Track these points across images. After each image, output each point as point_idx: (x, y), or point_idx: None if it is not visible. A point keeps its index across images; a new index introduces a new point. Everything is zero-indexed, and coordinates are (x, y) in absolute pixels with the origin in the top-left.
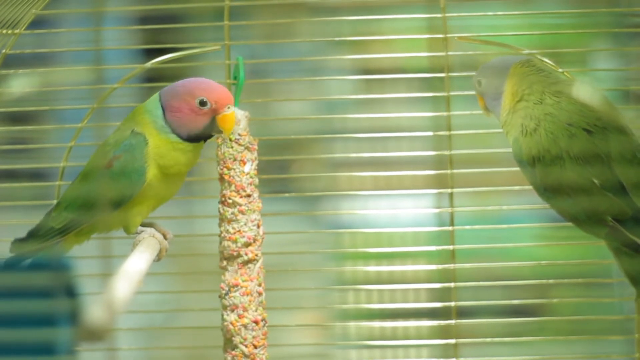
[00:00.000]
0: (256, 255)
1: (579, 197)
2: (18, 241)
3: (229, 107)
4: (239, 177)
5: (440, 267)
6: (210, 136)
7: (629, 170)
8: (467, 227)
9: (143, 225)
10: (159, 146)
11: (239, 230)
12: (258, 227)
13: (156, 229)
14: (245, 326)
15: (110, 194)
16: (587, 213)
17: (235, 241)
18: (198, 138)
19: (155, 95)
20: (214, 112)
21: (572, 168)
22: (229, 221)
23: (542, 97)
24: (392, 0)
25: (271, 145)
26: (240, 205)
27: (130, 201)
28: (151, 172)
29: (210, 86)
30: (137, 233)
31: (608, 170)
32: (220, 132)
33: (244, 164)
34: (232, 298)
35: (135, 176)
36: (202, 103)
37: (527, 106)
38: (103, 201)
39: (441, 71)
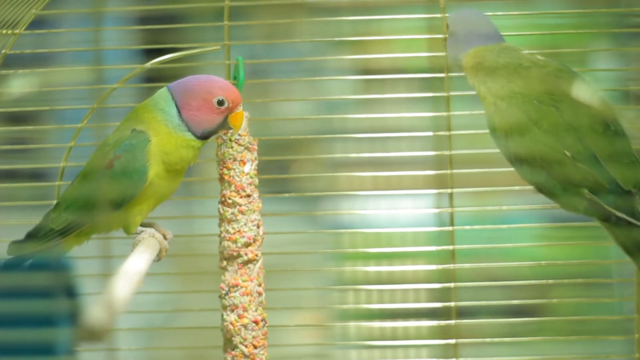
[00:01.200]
0: (256, 255)
1: (552, 169)
2: (16, 243)
3: (240, 106)
4: (238, 177)
5: (440, 267)
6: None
7: (601, 143)
8: (467, 227)
9: (143, 225)
10: (166, 144)
11: (239, 231)
12: (258, 227)
13: (156, 229)
14: (245, 326)
15: (111, 194)
16: (563, 185)
17: (235, 241)
18: (209, 135)
19: (164, 94)
20: (229, 111)
21: (543, 140)
22: (229, 221)
23: (513, 75)
24: (392, 0)
25: (271, 146)
26: (240, 205)
27: (131, 201)
28: (153, 171)
29: (227, 85)
30: (137, 233)
31: (579, 142)
32: (230, 129)
33: (244, 164)
34: (232, 298)
35: (136, 176)
36: (220, 102)
37: (499, 83)
38: (104, 202)
39: (441, 71)
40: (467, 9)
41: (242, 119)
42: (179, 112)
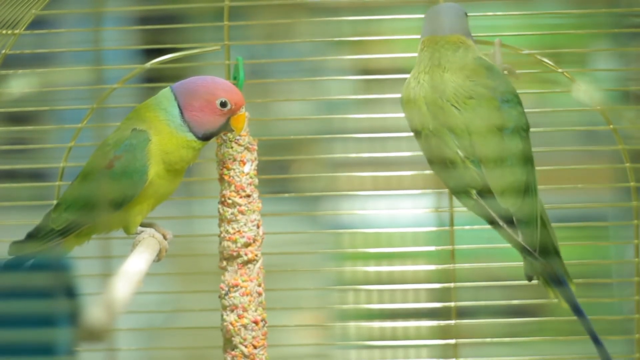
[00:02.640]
0: (256, 255)
1: (447, 168)
2: (17, 243)
3: (243, 108)
4: (238, 177)
5: (439, 267)
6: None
7: (486, 144)
8: (467, 227)
9: (142, 225)
10: (166, 143)
11: (239, 231)
12: (258, 227)
13: (156, 229)
14: (245, 326)
15: (112, 194)
16: (455, 183)
17: (235, 241)
18: (210, 137)
19: (167, 94)
20: (232, 113)
21: (443, 140)
22: (229, 221)
23: (431, 71)
24: (392, 0)
25: (271, 146)
26: (240, 205)
27: (132, 201)
28: (153, 170)
29: (230, 87)
30: (136, 233)
31: (469, 143)
32: (232, 131)
33: (244, 164)
34: (232, 298)
35: (137, 176)
36: (223, 104)
37: (420, 78)
38: (104, 202)
39: None
40: (451, 3)
41: (244, 121)
42: (182, 112)
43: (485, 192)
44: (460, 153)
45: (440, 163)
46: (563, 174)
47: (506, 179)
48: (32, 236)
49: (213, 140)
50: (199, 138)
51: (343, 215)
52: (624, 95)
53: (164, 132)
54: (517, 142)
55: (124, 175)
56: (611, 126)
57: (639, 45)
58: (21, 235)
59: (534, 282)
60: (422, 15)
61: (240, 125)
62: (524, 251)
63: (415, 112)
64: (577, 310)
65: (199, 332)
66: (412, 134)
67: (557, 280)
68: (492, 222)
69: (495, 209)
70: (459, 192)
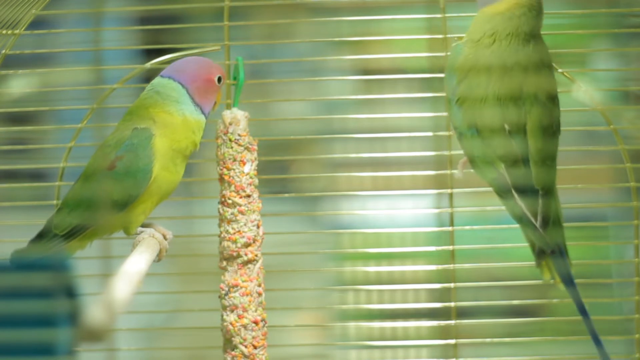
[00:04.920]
0: (256, 255)
1: (485, 137)
2: (20, 250)
3: None
4: (238, 177)
5: (439, 267)
6: None
7: (540, 113)
8: (467, 227)
9: (142, 226)
10: (175, 132)
11: (239, 231)
12: (258, 227)
13: (155, 230)
14: (245, 326)
15: (115, 195)
16: (484, 152)
17: (235, 241)
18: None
19: (172, 84)
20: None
21: (492, 110)
22: (229, 221)
23: (488, 40)
24: (392, 0)
25: (271, 146)
26: (240, 205)
27: (135, 201)
28: (158, 165)
29: (216, 63)
30: (136, 234)
31: (520, 119)
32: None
33: (244, 164)
34: (232, 298)
35: (140, 175)
36: (219, 80)
37: (473, 46)
38: (107, 204)
39: (441, 71)
40: None
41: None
42: (192, 98)
43: (517, 164)
44: (506, 126)
45: (475, 134)
46: (563, 174)
47: (548, 149)
48: (35, 242)
49: (213, 140)
50: (206, 117)
51: (343, 215)
52: (624, 95)
53: (174, 123)
54: (557, 109)
55: (127, 175)
56: (611, 126)
57: (638, 46)
58: (21, 235)
59: (538, 281)
60: (422, 16)
61: (219, 98)
62: (540, 223)
63: (470, 79)
64: (581, 309)
65: (199, 332)
66: (411, 134)
67: (567, 276)
68: (504, 194)
69: (521, 181)
70: (482, 159)
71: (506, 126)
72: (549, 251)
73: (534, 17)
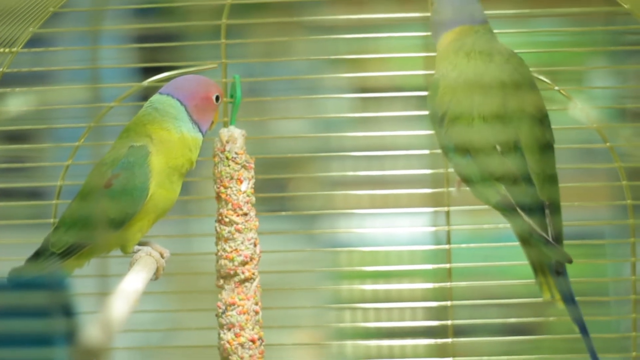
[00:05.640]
0: (253, 273)
1: (479, 158)
2: (17, 269)
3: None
4: (235, 195)
5: (437, 285)
6: None
7: (531, 131)
8: (464, 245)
9: (139, 244)
10: (172, 149)
11: (236, 249)
12: (255, 245)
13: (153, 248)
14: (242, 345)
15: (112, 213)
16: (482, 175)
17: (232, 260)
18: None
19: (170, 101)
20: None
21: (480, 130)
22: (226, 240)
23: (468, 57)
24: (389, 18)
25: (268, 164)
26: (237, 223)
27: (132, 219)
28: (154, 182)
29: (214, 81)
30: (134, 252)
31: (511, 139)
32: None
33: (241, 182)
34: (229, 317)
35: (136, 192)
36: (217, 99)
37: (452, 62)
38: (104, 222)
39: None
40: None
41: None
42: (190, 115)
43: (515, 189)
44: (497, 147)
45: (466, 154)
46: (560, 191)
47: (548, 162)
48: (32, 260)
49: (210, 158)
50: (203, 135)
51: (340, 233)
52: (620, 113)
53: (172, 141)
54: (549, 129)
55: (124, 193)
56: (608, 144)
57: (635, 63)
58: (19, 254)
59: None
60: (419, 34)
61: (217, 116)
62: (553, 236)
63: (456, 98)
64: (582, 328)
65: (196, 350)
66: (408, 152)
67: (568, 294)
68: (509, 213)
69: (525, 199)
70: (482, 183)
71: (497, 147)
72: (564, 264)
73: (484, 36)
